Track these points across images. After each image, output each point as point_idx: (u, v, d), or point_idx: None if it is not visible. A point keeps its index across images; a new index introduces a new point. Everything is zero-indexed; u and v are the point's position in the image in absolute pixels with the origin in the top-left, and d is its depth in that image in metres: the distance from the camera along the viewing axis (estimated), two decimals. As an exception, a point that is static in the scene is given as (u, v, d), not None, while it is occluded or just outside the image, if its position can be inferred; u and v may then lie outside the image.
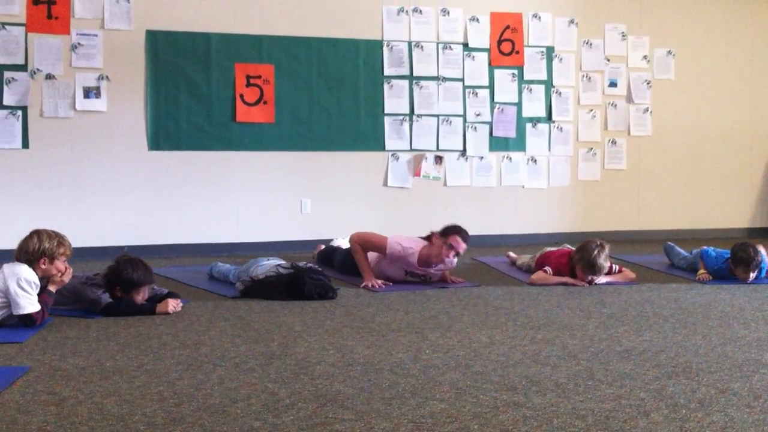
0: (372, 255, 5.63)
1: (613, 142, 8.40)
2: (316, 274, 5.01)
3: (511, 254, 6.57)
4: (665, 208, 8.55)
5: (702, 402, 2.88)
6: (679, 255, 6.28)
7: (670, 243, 6.56)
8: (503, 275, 6.00)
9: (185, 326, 4.15)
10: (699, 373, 3.25)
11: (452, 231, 5.44)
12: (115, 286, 4.47)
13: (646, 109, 8.47)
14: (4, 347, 3.68)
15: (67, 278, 4.25)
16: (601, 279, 5.49)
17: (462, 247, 5.42)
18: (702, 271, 5.72)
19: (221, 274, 5.56)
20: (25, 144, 6.80)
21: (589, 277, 5.42)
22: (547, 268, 5.57)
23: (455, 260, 5.48)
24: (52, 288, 4.20)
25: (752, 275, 5.58)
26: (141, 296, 4.50)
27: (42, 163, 6.84)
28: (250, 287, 4.99)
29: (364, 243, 5.56)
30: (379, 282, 5.37)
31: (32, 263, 4.11)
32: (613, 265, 5.66)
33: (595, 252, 5.37)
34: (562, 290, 5.29)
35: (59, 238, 4.21)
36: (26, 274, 4.05)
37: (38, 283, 4.09)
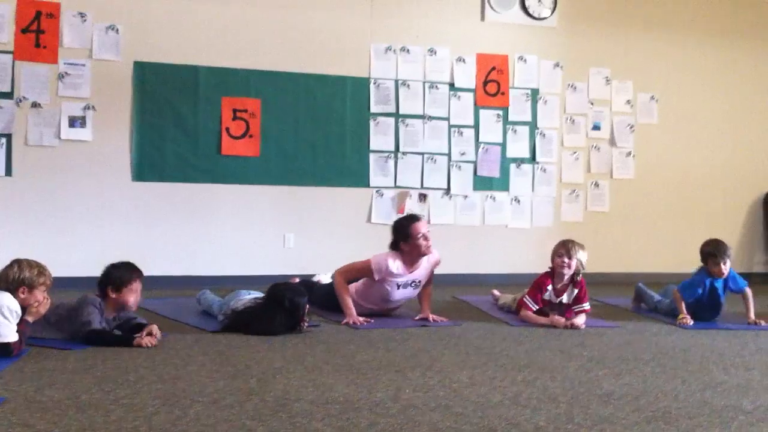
0: (355, 284, 5.63)
1: (596, 185, 8.46)
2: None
3: (495, 292, 6.56)
4: (647, 250, 8.60)
5: (681, 448, 2.88)
6: (653, 298, 6.29)
7: (641, 285, 6.54)
8: (485, 314, 5.99)
9: (163, 360, 4.11)
10: (678, 419, 3.24)
11: (406, 223, 5.55)
12: (107, 287, 4.50)
13: (629, 153, 8.56)
14: (-21, 377, 3.64)
15: (44, 309, 4.22)
16: (580, 318, 5.49)
17: (424, 227, 5.52)
18: (682, 315, 5.74)
19: (206, 304, 5.52)
20: (9, 172, 6.77)
21: (564, 258, 5.55)
22: (528, 302, 5.60)
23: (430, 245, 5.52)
24: (30, 318, 4.16)
25: (725, 267, 5.71)
26: (134, 297, 4.53)
27: (25, 192, 6.81)
28: (230, 321, 4.96)
29: (347, 273, 5.57)
30: (361, 319, 5.36)
31: (11, 292, 4.08)
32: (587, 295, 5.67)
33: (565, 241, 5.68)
34: (544, 331, 5.29)
35: (39, 268, 4.19)
36: (8, 302, 4.01)
37: (20, 312, 4.05)
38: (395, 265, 5.52)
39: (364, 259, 5.63)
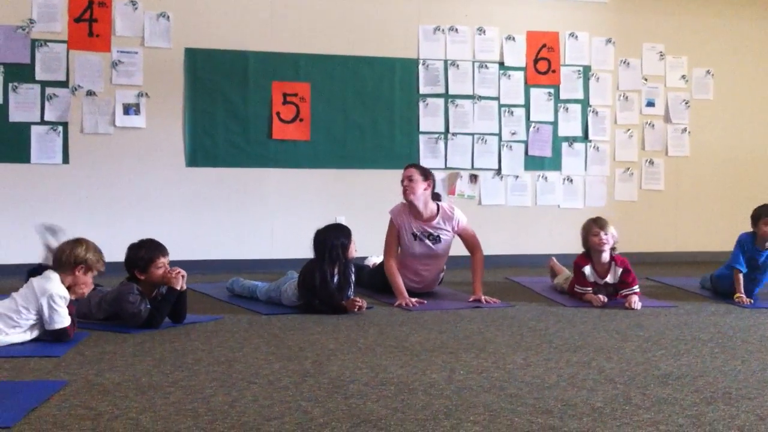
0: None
1: (651, 163, 8.31)
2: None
3: (555, 261, 6.44)
4: (703, 229, 8.43)
5: (741, 429, 2.83)
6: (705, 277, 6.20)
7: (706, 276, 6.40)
8: (538, 295, 5.95)
9: (220, 342, 4.17)
10: (738, 399, 3.19)
11: None
12: (133, 270, 4.54)
13: (684, 130, 8.39)
14: (43, 361, 3.73)
15: (87, 290, 4.30)
16: (637, 304, 5.38)
17: (406, 172, 5.75)
18: (738, 294, 5.61)
19: (245, 290, 5.57)
20: (66, 159, 6.91)
21: (601, 234, 5.49)
22: (580, 289, 5.57)
23: (416, 186, 5.68)
24: (72, 297, 4.21)
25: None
26: (160, 271, 4.52)
27: (82, 179, 6.94)
28: (302, 299, 5.08)
29: (388, 247, 5.72)
30: (413, 300, 5.36)
31: (68, 268, 4.15)
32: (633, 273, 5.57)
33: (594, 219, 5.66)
34: (598, 312, 5.23)
35: (101, 255, 4.29)
36: (57, 289, 4.09)
37: (68, 296, 4.13)
38: (406, 211, 5.73)
39: None
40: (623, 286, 5.52)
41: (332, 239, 5.11)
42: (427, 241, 5.68)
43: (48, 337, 4.09)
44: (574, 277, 5.68)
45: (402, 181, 5.75)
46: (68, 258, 4.16)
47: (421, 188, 5.68)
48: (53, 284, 4.10)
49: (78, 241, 4.25)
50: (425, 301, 5.42)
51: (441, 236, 5.71)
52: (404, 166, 5.91)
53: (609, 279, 5.55)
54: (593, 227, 5.55)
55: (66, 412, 2.94)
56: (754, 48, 8.52)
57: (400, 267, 5.67)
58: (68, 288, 4.17)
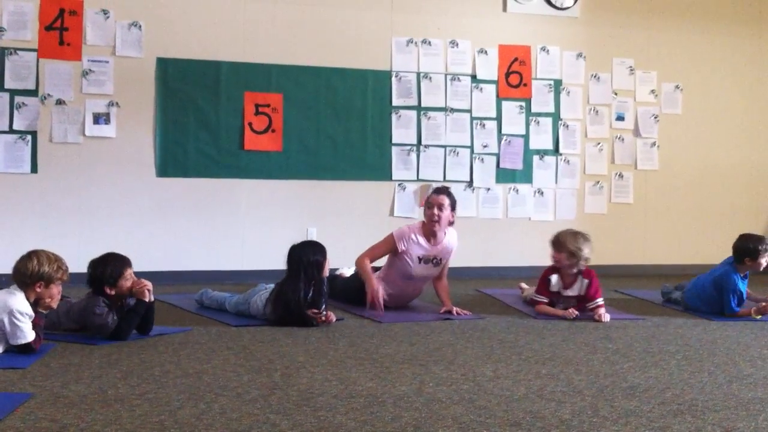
0: (377, 272, 5.73)
1: (620, 176, 8.39)
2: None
3: (523, 285, 6.49)
4: (672, 242, 8.52)
5: (707, 441, 2.85)
6: (670, 290, 6.26)
7: (665, 287, 6.47)
8: (508, 308, 5.97)
9: (188, 354, 4.14)
10: (704, 412, 3.22)
11: (430, 193, 5.80)
12: (102, 287, 4.48)
13: (654, 144, 8.48)
14: (8, 373, 3.68)
15: (55, 303, 4.20)
16: (606, 317, 5.42)
17: (439, 199, 5.63)
18: (764, 304, 5.64)
19: (214, 301, 5.54)
20: (34, 169, 6.83)
21: (554, 253, 5.57)
22: (537, 297, 5.65)
23: (444, 215, 5.60)
24: (42, 310, 4.14)
25: (764, 261, 5.64)
26: (128, 282, 4.49)
27: (50, 189, 6.87)
28: (271, 314, 5.02)
29: (371, 255, 5.70)
30: (381, 292, 5.45)
31: (28, 286, 4.06)
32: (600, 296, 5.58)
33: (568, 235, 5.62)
34: (568, 324, 5.26)
35: (58, 262, 4.14)
36: (18, 305, 3.99)
37: (31, 313, 4.03)
38: (417, 234, 5.64)
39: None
40: (586, 300, 5.56)
41: (308, 256, 5.06)
42: (429, 264, 5.68)
43: (14, 349, 4.03)
44: (538, 285, 5.72)
45: (430, 207, 5.62)
46: (23, 277, 4.06)
47: (448, 219, 5.66)
48: (15, 300, 4.01)
49: (29, 257, 4.09)
50: (389, 298, 5.50)
51: (442, 260, 5.72)
52: (434, 190, 5.80)
53: (573, 292, 5.60)
54: (552, 249, 5.63)
55: (31, 424, 2.90)
56: (721, 63, 8.64)
57: (388, 284, 5.65)
58: (36, 302, 4.10)
